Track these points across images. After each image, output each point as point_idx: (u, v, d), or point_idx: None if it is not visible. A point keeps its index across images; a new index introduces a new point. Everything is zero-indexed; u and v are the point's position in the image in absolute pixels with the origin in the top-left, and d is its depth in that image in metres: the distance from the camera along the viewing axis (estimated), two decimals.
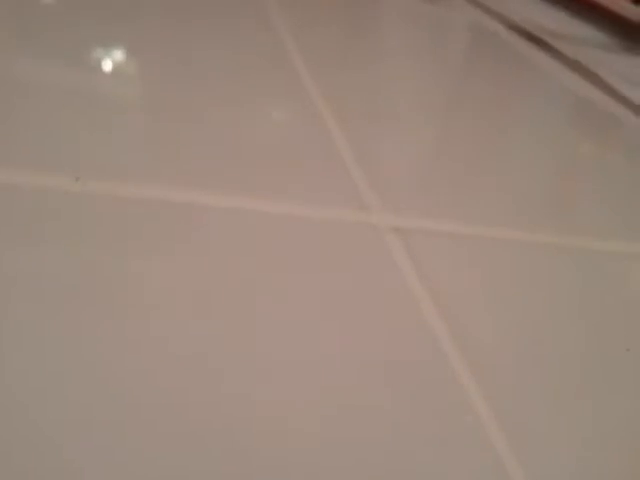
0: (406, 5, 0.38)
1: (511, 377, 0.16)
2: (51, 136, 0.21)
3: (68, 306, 0.17)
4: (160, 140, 0.20)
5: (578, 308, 0.19)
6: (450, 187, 0.22)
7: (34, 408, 0.14)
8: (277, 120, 0.22)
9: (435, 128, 0.25)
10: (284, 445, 0.14)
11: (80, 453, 0.14)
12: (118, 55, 0.24)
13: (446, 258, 0.19)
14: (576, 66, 0.41)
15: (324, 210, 0.19)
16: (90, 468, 0.14)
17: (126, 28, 0.28)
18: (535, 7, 0.55)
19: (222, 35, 0.31)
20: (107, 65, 0.24)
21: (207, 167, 0.20)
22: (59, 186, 0.18)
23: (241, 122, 0.23)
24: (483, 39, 0.41)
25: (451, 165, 0.23)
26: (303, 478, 0.14)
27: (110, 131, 0.21)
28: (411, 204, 0.21)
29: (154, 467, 0.14)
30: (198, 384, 0.15)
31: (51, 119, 0.21)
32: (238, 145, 0.21)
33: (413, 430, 0.15)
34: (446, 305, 0.17)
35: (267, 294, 0.16)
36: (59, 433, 0.14)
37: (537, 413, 0.16)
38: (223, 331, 0.15)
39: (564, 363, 0.17)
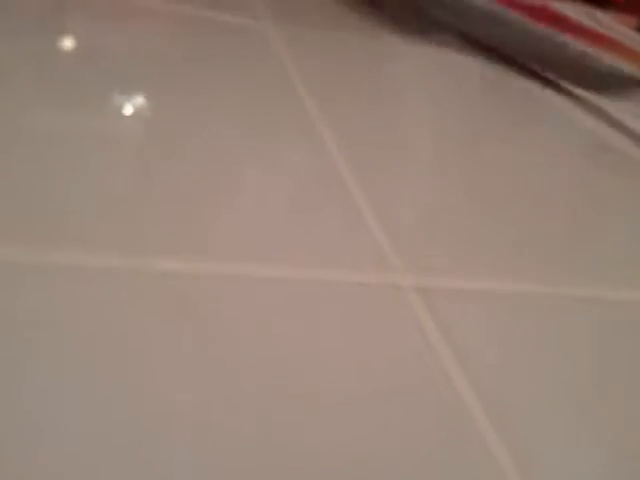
0: (412, 51, 0.38)
1: (535, 433, 0.15)
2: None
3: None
4: (172, 204, 0.20)
5: (599, 362, 0.18)
6: (472, 240, 0.22)
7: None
8: (291, 174, 0.22)
9: (454, 177, 0.25)
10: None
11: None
12: (127, 107, 0.24)
13: (470, 316, 0.18)
14: (588, 105, 0.41)
15: (344, 272, 0.19)
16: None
17: (141, 78, 0.28)
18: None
19: (230, 82, 0.31)
20: (114, 117, 0.23)
21: (219, 233, 0.19)
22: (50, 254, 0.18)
23: (252, 177, 0.23)
24: (494, 83, 0.41)
25: (472, 216, 0.23)
26: None
27: (100, 190, 0.21)
28: (434, 261, 0.20)
29: None
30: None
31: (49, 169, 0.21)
32: (248, 204, 0.21)
33: None
34: (472, 367, 0.17)
35: (295, 358, 0.15)
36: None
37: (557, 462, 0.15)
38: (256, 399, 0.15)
39: (584, 420, 0.16)
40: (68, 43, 0.29)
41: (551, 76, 0.46)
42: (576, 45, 0.59)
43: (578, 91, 0.44)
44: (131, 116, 0.24)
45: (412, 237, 0.21)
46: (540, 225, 0.24)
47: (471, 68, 0.45)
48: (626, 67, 0.57)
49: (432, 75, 0.39)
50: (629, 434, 0.16)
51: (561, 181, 0.29)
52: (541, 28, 0.62)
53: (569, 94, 0.43)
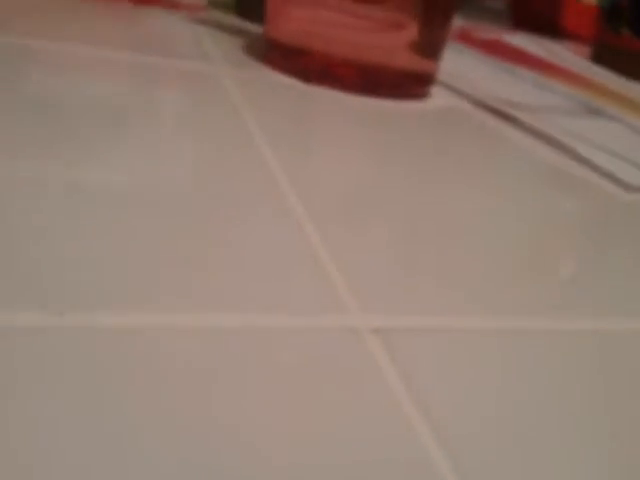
0: (358, 101, 0.38)
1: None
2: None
3: None
4: (127, 258, 0.19)
5: (563, 396, 0.18)
6: (432, 280, 0.21)
7: None
8: (247, 221, 0.22)
9: (414, 219, 0.25)
10: None
11: None
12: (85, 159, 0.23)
13: (430, 356, 0.18)
14: (541, 136, 0.42)
15: (299, 318, 0.18)
16: None
17: (94, 128, 0.27)
18: (499, 82, 0.56)
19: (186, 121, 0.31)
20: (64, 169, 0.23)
21: (174, 283, 0.19)
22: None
23: (208, 225, 0.22)
24: (451, 119, 0.41)
25: (433, 256, 0.22)
26: None
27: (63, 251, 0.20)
28: (392, 302, 0.20)
29: None
30: None
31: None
32: (204, 254, 0.20)
33: None
34: (431, 410, 0.16)
35: (249, 411, 0.15)
36: None
37: None
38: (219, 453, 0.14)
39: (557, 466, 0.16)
40: (17, 95, 0.29)
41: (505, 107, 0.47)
42: (531, 76, 0.60)
43: (532, 122, 0.45)
44: (86, 167, 0.24)
45: (369, 278, 0.20)
46: (499, 259, 0.24)
47: (432, 105, 0.46)
48: (581, 96, 0.58)
49: (387, 122, 0.39)
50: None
51: (523, 213, 0.29)
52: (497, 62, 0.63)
53: (523, 125, 0.44)
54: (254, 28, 0.55)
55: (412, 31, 0.41)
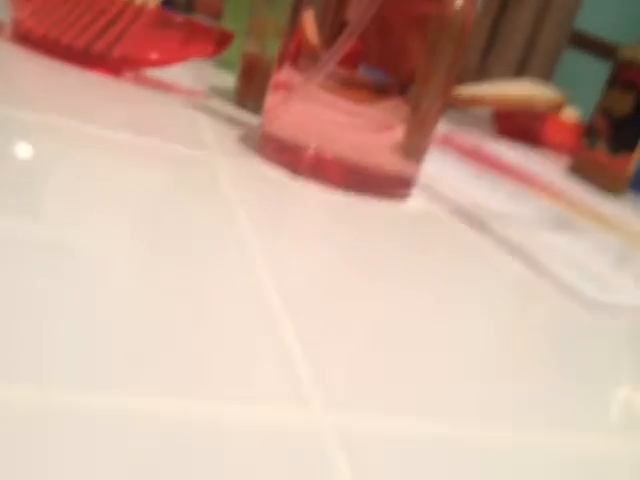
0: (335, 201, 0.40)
1: None
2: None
3: None
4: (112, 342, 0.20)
5: None
6: (400, 383, 0.23)
7: None
8: (222, 305, 0.23)
9: (380, 321, 0.26)
10: None
11: None
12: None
13: (388, 459, 0.19)
14: (512, 247, 0.44)
15: (259, 409, 0.19)
16: None
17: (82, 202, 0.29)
18: (477, 189, 0.59)
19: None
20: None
21: (143, 367, 0.20)
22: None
23: (182, 309, 0.23)
24: (426, 224, 0.43)
25: (403, 359, 0.24)
26: None
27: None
28: (357, 401, 0.21)
29: None
30: None
31: None
32: (174, 340, 0.22)
33: None
34: None
35: None
36: None
37: None
38: None
39: None
40: (13, 164, 0.30)
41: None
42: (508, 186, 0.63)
43: (503, 232, 0.47)
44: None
45: (336, 375, 0.22)
46: (469, 365, 0.25)
47: (407, 210, 0.48)
48: (553, 209, 0.61)
49: (360, 223, 0.41)
50: None
51: (490, 322, 0.31)
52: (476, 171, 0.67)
53: (494, 235, 0.46)
54: (251, 119, 0.57)
55: (398, 133, 0.44)
